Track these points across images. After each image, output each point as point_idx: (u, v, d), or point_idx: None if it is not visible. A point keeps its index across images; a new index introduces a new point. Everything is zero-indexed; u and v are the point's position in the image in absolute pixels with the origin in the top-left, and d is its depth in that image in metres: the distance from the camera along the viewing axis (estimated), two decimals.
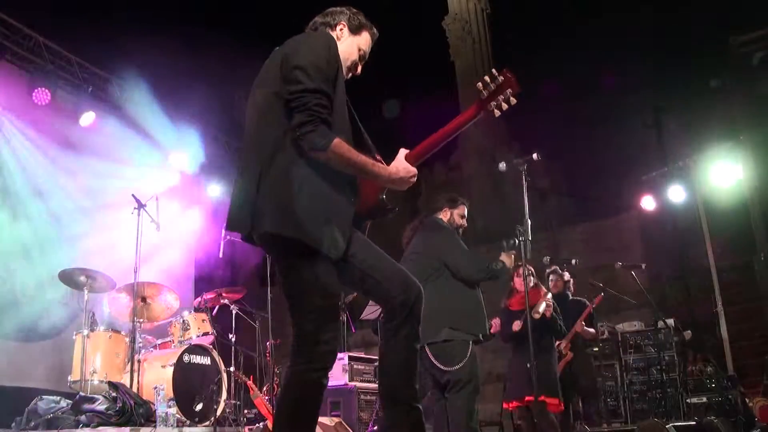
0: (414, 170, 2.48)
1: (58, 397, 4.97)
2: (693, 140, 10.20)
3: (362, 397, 6.13)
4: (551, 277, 6.26)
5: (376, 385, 6.26)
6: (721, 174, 8.50)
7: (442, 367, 3.90)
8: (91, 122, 7.52)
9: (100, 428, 4.49)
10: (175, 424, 4.83)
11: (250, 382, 6.14)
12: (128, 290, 5.81)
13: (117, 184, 7.39)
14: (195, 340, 5.79)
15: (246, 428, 5.33)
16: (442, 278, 4.06)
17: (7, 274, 6.61)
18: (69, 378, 5.43)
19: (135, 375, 5.20)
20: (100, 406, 4.62)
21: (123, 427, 4.52)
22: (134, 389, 5.06)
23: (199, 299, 6.44)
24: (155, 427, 4.66)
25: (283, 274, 2.39)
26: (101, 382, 5.25)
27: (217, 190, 8.83)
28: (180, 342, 5.83)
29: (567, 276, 6.44)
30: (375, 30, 2.71)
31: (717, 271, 8.34)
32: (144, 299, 5.91)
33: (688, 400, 7.10)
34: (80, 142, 7.58)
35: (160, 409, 4.80)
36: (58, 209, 7.23)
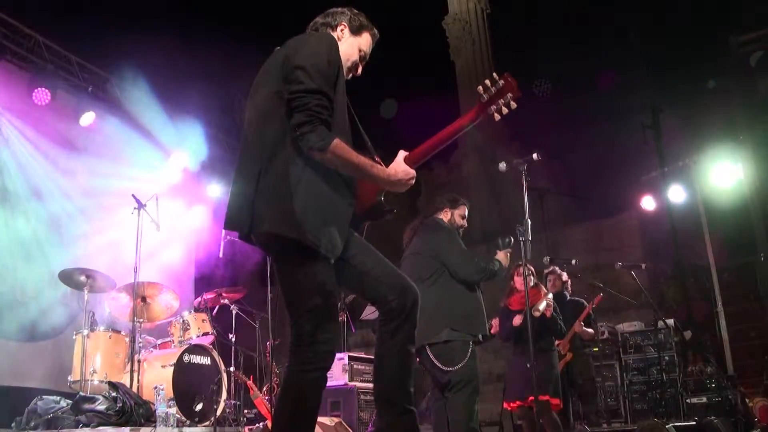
0: (413, 172, 2.48)
1: (58, 397, 4.97)
2: (693, 140, 10.20)
3: (362, 397, 6.13)
4: (549, 277, 6.27)
5: None
6: (721, 174, 8.50)
7: (442, 367, 3.90)
8: (91, 122, 7.51)
9: (100, 428, 4.49)
10: (175, 424, 4.83)
11: (250, 382, 6.14)
12: (128, 290, 5.82)
13: (117, 184, 7.39)
14: (195, 340, 5.80)
15: (246, 428, 5.33)
16: (443, 279, 4.06)
17: (7, 274, 6.61)
18: (69, 378, 5.43)
19: (135, 375, 5.20)
20: (100, 406, 4.62)
21: (123, 427, 4.52)
22: (134, 389, 5.06)
23: (199, 299, 6.44)
24: (155, 427, 4.66)
25: (280, 274, 2.40)
26: (101, 382, 5.25)
27: (217, 190, 8.83)
28: (180, 342, 5.83)
29: (565, 276, 6.45)
30: (376, 31, 2.71)
31: (717, 271, 8.34)
32: (144, 299, 5.92)
33: (688, 400, 7.09)
34: (80, 142, 7.59)
35: (160, 409, 4.81)
36: (58, 209, 7.23)
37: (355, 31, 2.66)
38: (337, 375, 6.15)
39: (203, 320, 6.04)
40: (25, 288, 6.70)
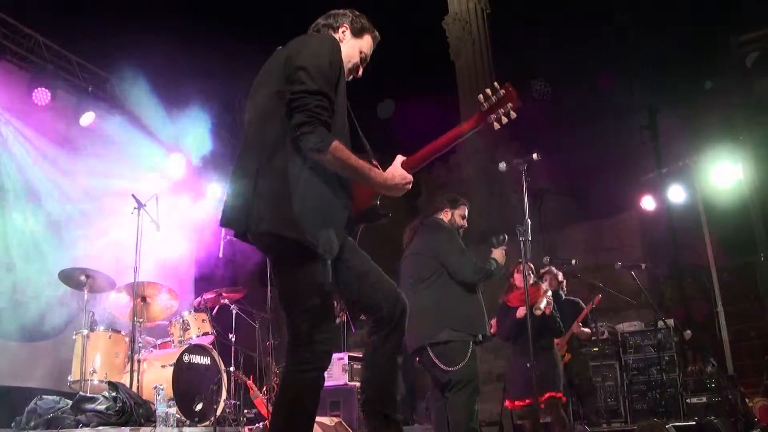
0: (410, 177, 2.49)
1: (58, 397, 4.97)
2: (693, 140, 10.20)
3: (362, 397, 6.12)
4: (545, 276, 6.28)
5: None
6: (721, 174, 8.50)
7: (443, 367, 3.91)
8: (91, 122, 7.51)
9: (100, 428, 4.49)
10: (175, 424, 4.83)
11: (250, 382, 6.15)
12: (128, 290, 5.82)
13: (117, 184, 7.39)
14: (195, 340, 5.80)
15: (246, 428, 5.33)
16: (443, 279, 4.06)
17: (7, 274, 6.60)
18: (69, 378, 5.43)
19: (135, 375, 5.20)
20: (100, 405, 4.62)
21: (123, 427, 4.52)
22: (134, 389, 5.06)
23: (199, 299, 6.44)
24: (155, 427, 4.66)
25: (278, 274, 2.40)
26: (101, 382, 5.25)
27: (218, 190, 8.83)
28: (180, 342, 5.83)
29: (561, 276, 6.45)
30: (377, 33, 2.72)
31: (717, 271, 8.34)
32: (144, 299, 5.92)
33: (688, 400, 7.10)
34: (80, 142, 7.58)
35: (160, 409, 4.80)
36: (58, 209, 7.23)
37: (357, 33, 2.66)
38: (337, 375, 6.15)
39: (203, 320, 6.04)
40: (25, 288, 6.69)
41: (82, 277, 5.74)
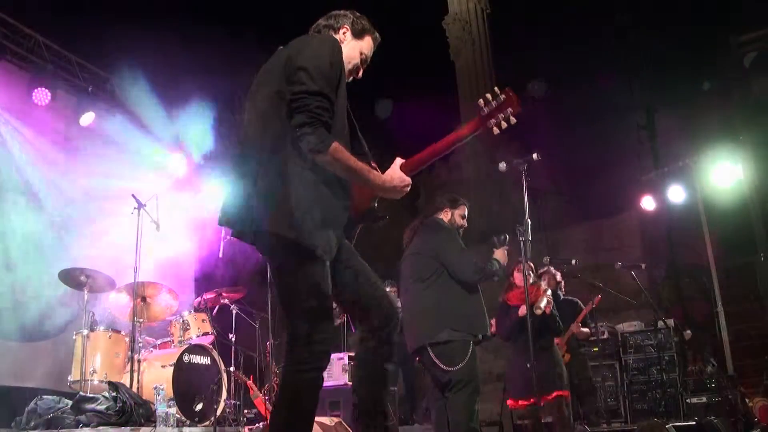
0: (408, 180, 2.50)
1: (58, 397, 4.97)
2: (693, 140, 10.20)
3: None
4: (543, 276, 6.28)
5: None
6: (721, 174, 8.50)
7: (443, 367, 3.91)
8: (91, 122, 7.51)
9: (100, 428, 4.49)
10: (175, 424, 4.83)
11: (250, 382, 6.15)
12: (128, 290, 5.82)
13: (117, 184, 7.38)
14: (195, 340, 5.80)
15: (246, 428, 5.33)
16: (443, 278, 4.06)
17: (7, 274, 6.61)
18: (69, 378, 5.43)
19: (135, 375, 5.20)
20: (100, 405, 4.62)
21: (123, 427, 4.52)
22: (134, 389, 5.06)
23: (199, 299, 6.44)
24: (155, 427, 4.66)
25: (276, 274, 2.40)
26: (101, 382, 5.25)
27: (218, 189, 8.82)
28: (180, 342, 5.83)
29: (559, 276, 6.45)
30: (377, 34, 2.73)
31: (717, 271, 8.34)
32: (144, 299, 5.92)
33: (688, 400, 7.10)
34: (80, 142, 7.58)
35: (160, 409, 4.80)
36: (58, 209, 7.23)
37: (358, 34, 2.67)
38: (337, 375, 6.15)
39: (203, 320, 6.04)
40: (25, 288, 6.69)
41: (82, 277, 5.74)
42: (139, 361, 5.37)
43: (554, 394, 5.15)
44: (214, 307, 6.40)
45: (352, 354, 6.49)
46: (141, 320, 5.70)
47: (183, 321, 5.95)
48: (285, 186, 2.28)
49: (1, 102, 6.81)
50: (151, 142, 8.03)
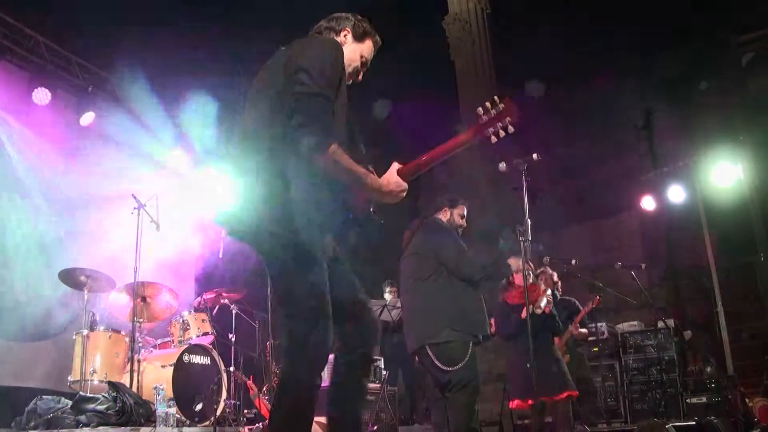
0: (404, 185, 2.50)
1: (58, 397, 4.97)
2: (692, 140, 10.20)
3: None
4: (540, 277, 6.28)
5: (376, 386, 6.28)
6: (721, 174, 8.51)
7: (442, 367, 3.90)
8: (91, 122, 7.51)
9: (100, 428, 4.49)
10: (175, 424, 4.83)
11: (250, 382, 6.15)
12: (128, 290, 5.82)
13: (117, 184, 7.38)
14: (195, 340, 5.80)
15: (246, 428, 5.33)
16: (442, 278, 4.06)
17: (7, 274, 6.61)
18: (69, 378, 5.43)
19: (135, 375, 5.20)
20: (100, 405, 4.62)
21: (123, 427, 4.52)
22: (134, 389, 5.06)
23: (199, 299, 6.45)
24: (155, 427, 4.66)
25: (273, 274, 2.41)
26: (101, 382, 5.25)
27: (218, 188, 8.81)
28: (180, 342, 5.84)
29: (555, 277, 6.46)
30: (378, 38, 2.73)
31: (717, 271, 8.35)
32: (144, 299, 5.92)
33: (687, 400, 7.11)
34: (80, 142, 7.58)
35: (160, 409, 4.81)
36: (58, 209, 7.23)
37: (359, 37, 2.67)
38: None
39: (203, 320, 6.04)
40: (25, 288, 6.69)
41: (82, 277, 5.75)
42: (139, 361, 5.37)
43: (565, 393, 5.16)
44: (214, 307, 6.40)
45: None
46: (141, 320, 5.70)
47: (183, 321, 5.96)
48: (284, 186, 2.28)
49: (1, 102, 6.81)
50: (151, 142, 8.02)
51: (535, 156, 4.42)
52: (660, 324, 7.46)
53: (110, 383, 4.92)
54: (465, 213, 4.39)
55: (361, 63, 2.69)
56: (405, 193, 2.52)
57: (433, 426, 4.17)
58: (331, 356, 2.48)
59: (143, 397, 5.03)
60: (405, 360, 7.06)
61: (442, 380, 3.96)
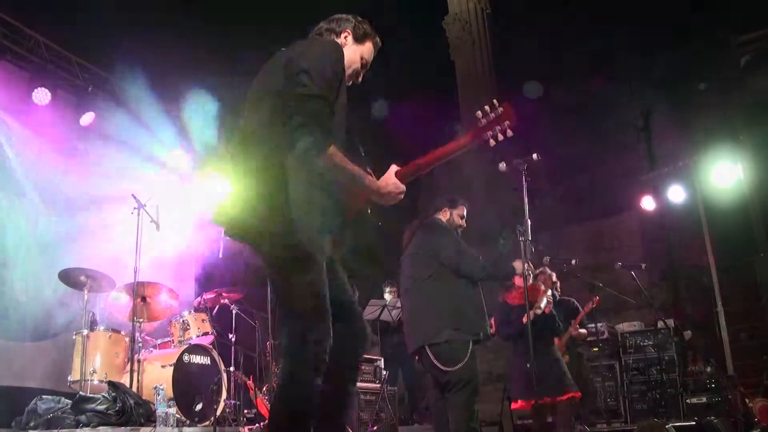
0: (403, 187, 2.51)
1: (58, 397, 4.97)
2: (692, 140, 10.20)
3: (362, 397, 6.13)
4: (539, 277, 6.28)
5: (377, 386, 6.30)
6: (721, 174, 8.51)
7: (442, 367, 3.91)
8: (90, 122, 7.51)
9: (100, 428, 4.49)
10: (175, 424, 4.83)
11: (250, 382, 6.15)
12: (128, 290, 5.82)
13: (117, 184, 7.38)
14: (195, 340, 5.80)
15: (246, 428, 5.33)
16: (442, 278, 4.07)
17: (7, 274, 6.61)
18: (69, 378, 5.43)
19: (135, 375, 5.20)
20: (100, 405, 4.63)
21: (123, 427, 4.52)
22: (134, 389, 5.06)
23: (199, 299, 6.45)
24: (155, 427, 4.66)
25: (272, 275, 2.41)
26: (101, 382, 5.25)
27: (218, 188, 8.81)
28: (180, 342, 5.84)
29: (554, 277, 6.46)
30: (378, 39, 2.73)
31: (717, 271, 8.34)
32: (144, 299, 5.92)
33: (687, 400, 7.11)
34: (80, 142, 7.58)
35: (160, 409, 4.81)
36: (58, 209, 7.23)
37: (359, 39, 2.67)
38: None
39: (203, 320, 6.04)
40: (25, 288, 6.69)
41: (82, 277, 5.75)
42: (139, 361, 5.37)
43: (567, 395, 5.16)
44: (214, 307, 6.40)
45: None
46: (141, 320, 5.70)
47: (183, 321, 5.96)
48: (283, 187, 2.28)
49: (0, 102, 6.80)
50: (151, 142, 8.02)
51: (535, 156, 4.43)
52: (660, 324, 7.46)
53: (110, 383, 4.92)
54: (465, 213, 4.39)
55: (362, 64, 2.69)
56: (403, 195, 2.52)
57: (433, 426, 4.17)
58: None
59: (143, 397, 5.04)
60: (405, 360, 7.06)
61: (441, 380, 3.96)
